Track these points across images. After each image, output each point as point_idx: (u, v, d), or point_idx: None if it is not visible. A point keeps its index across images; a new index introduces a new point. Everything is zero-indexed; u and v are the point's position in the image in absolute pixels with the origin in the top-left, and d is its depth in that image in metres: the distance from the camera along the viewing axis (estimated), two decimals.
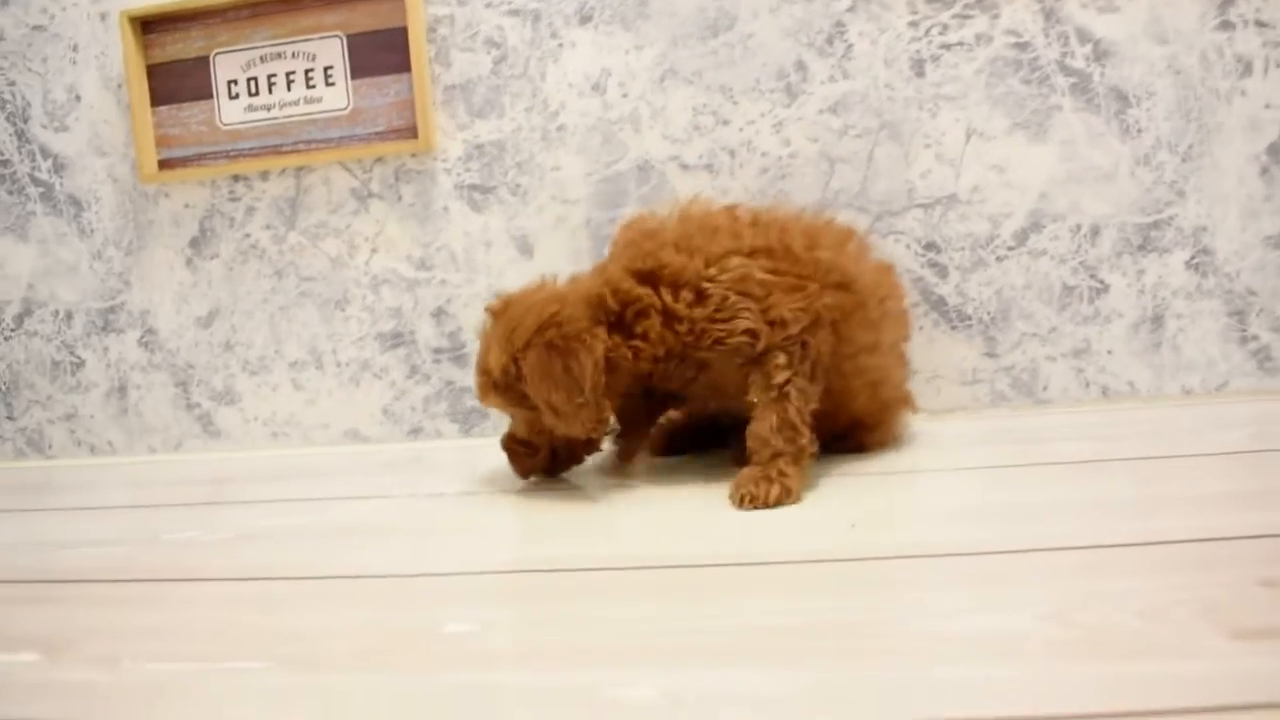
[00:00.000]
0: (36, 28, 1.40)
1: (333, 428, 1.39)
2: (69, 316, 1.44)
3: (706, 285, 0.91)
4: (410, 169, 1.32)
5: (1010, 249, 1.21)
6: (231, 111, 1.35)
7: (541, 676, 0.53)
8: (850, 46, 1.21)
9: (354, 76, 1.31)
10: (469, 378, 1.20)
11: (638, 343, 0.93)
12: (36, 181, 1.42)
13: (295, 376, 1.39)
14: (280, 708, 0.51)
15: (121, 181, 1.40)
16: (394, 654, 0.58)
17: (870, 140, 1.22)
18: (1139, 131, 1.18)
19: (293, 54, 1.33)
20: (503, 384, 0.95)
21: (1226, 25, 1.15)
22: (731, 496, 0.89)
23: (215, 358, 1.41)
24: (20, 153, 1.42)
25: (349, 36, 1.31)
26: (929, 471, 0.96)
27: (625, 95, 1.26)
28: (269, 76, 1.34)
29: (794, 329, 0.91)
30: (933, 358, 1.23)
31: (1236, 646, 0.49)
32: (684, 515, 0.87)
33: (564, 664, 0.54)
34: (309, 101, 1.33)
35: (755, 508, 0.86)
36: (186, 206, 1.39)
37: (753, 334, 0.90)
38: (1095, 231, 1.19)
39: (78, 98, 1.40)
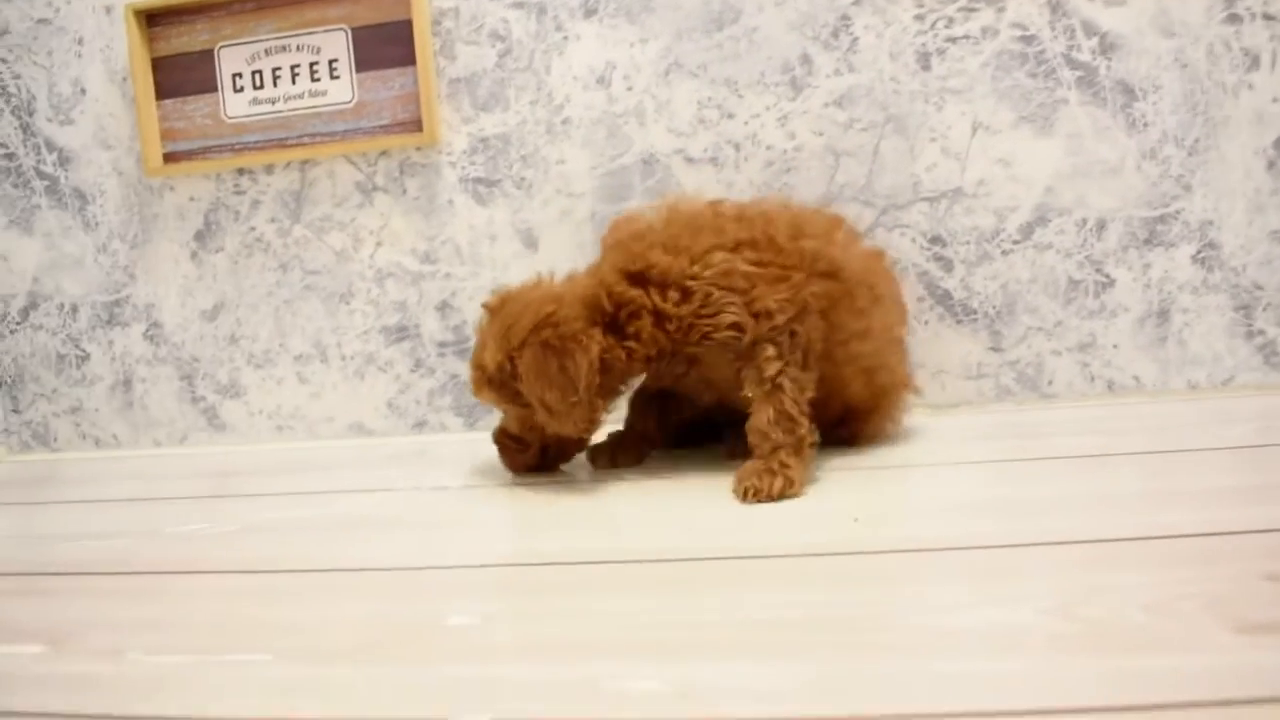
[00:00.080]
0: (42, 21, 1.40)
1: (337, 421, 1.39)
2: (74, 310, 1.44)
3: (691, 283, 0.92)
4: (415, 162, 1.32)
5: (1016, 243, 1.21)
6: (236, 105, 1.35)
7: (544, 669, 0.53)
8: (855, 40, 1.21)
9: (359, 70, 1.31)
10: None
11: (630, 343, 0.94)
12: (42, 175, 1.43)
13: (300, 370, 1.39)
14: (283, 699, 0.51)
15: (126, 175, 1.41)
16: (397, 646, 0.58)
17: (876, 134, 1.22)
18: (1145, 125, 1.17)
19: (297, 47, 1.33)
20: (497, 380, 0.96)
21: (1234, 18, 1.15)
22: (735, 490, 0.89)
23: (220, 351, 1.41)
24: (26, 146, 1.43)
25: (353, 29, 1.31)
26: (933, 465, 0.96)
27: (630, 88, 1.26)
28: (274, 70, 1.34)
29: (780, 319, 0.91)
30: (937, 352, 1.23)
31: (1241, 640, 0.49)
32: (686, 508, 0.87)
33: (566, 656, 0.54)
34: (314, 95, 1.33)
35: (759, 500, 0.87)
36: (191, 200, 1.39)
37: (738, 327, 0.91)
38: (1101, 225, 1.19)
39: (83, 91, 1.40)
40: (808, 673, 0.49)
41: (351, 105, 1.32)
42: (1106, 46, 1.17)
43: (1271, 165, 1.16)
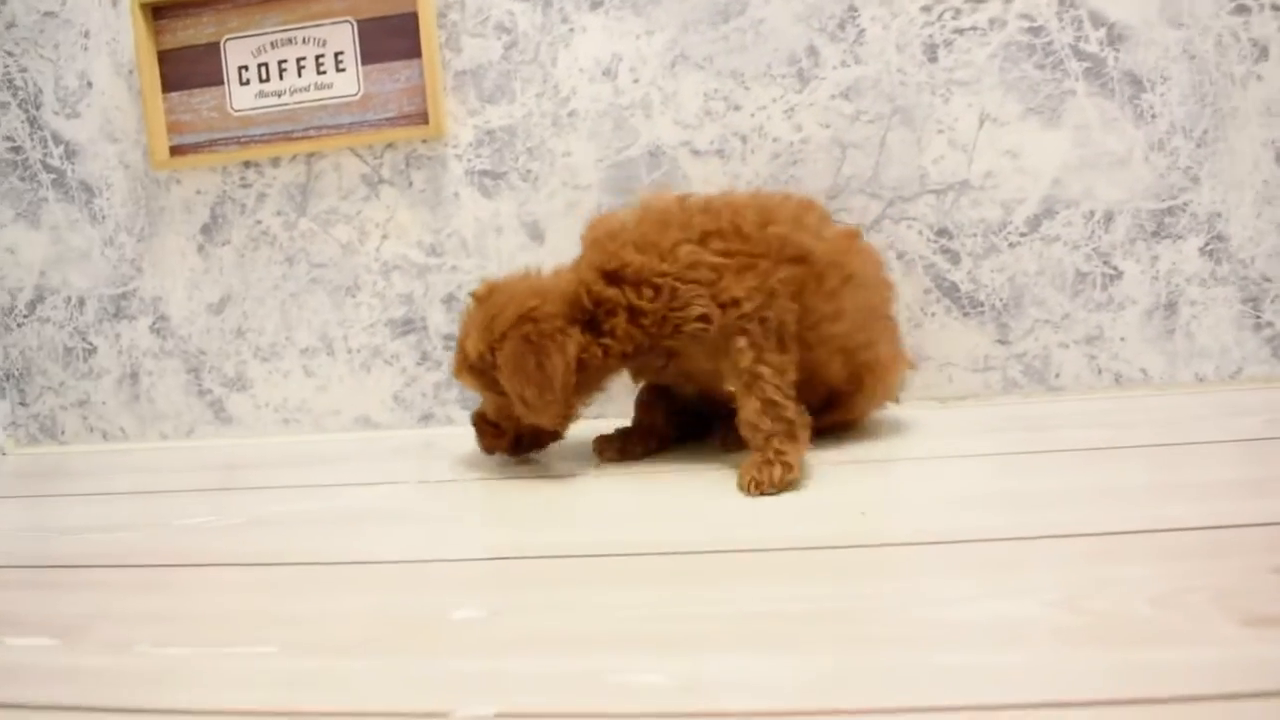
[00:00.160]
0: (48, 14, 1.40)
1: (343, 414, 1.39)
2: (81, 303, 1.45)
3: (660, 279, 0.94)
4: (421, 155, 1.32)
5: (1023, 235, 1.20)
6: (242, 98, 1.35)
7: (548, 662, 0.53)
8: (862, 31, 1.21)
9: (364, 62, 1.31)
10: None
11: (607, 340, 0.96)
12: (48, 168, 1.43)
13: (306, 363, 1.39)
14: (289, 692, 0.51)
15: (133, 168, 1.41)
16: (402, 639, 0.58)
17: (882, 126, 1.22)
18: (1153, 117, 1.17)
19: (303, 40, 1.33)
20: (478, 368, 0.99)
21: (1242, 9, 1.14)
22: (739, 485, 0.90)
23: (227, 344, 1.41)
24: (32, 139, 1.43)
25: (359, 22, 1.31)
26: (939, 458, 0.96)
27: (636, 81, 1.26)
28: (280, 62, 1.34)
29: (748, 307, 0.93)
30: (944, 344, 1.23)
31: (1248, 633, 0.49)
32: (690, 502, 0.87)
33: (570, 649, 0.54)
34: (320, 87, 1.33)
35: (763, 492, 0.87)
36: (198, 193, 1.39)
37: (705, 318, 0.93)
38: (1109, 218, 1.19)
39: (89, 84, 1.40)
40: (812, 666, 0.49)
41: (357, 98, 1.32)
42: (1114, 37, 1.17)
43: None
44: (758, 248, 0.95)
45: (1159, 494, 0.77)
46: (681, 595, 0.62)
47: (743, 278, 0.93)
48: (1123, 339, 1.20)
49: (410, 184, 1.33)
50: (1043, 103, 1.19)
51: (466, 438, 1.22)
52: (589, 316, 0.97)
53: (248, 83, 1.35)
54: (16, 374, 1.48)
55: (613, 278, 0.96)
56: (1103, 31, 1.17)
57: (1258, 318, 1.17)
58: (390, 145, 1.33)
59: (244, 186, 1.38)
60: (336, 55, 1.32)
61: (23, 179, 1.44)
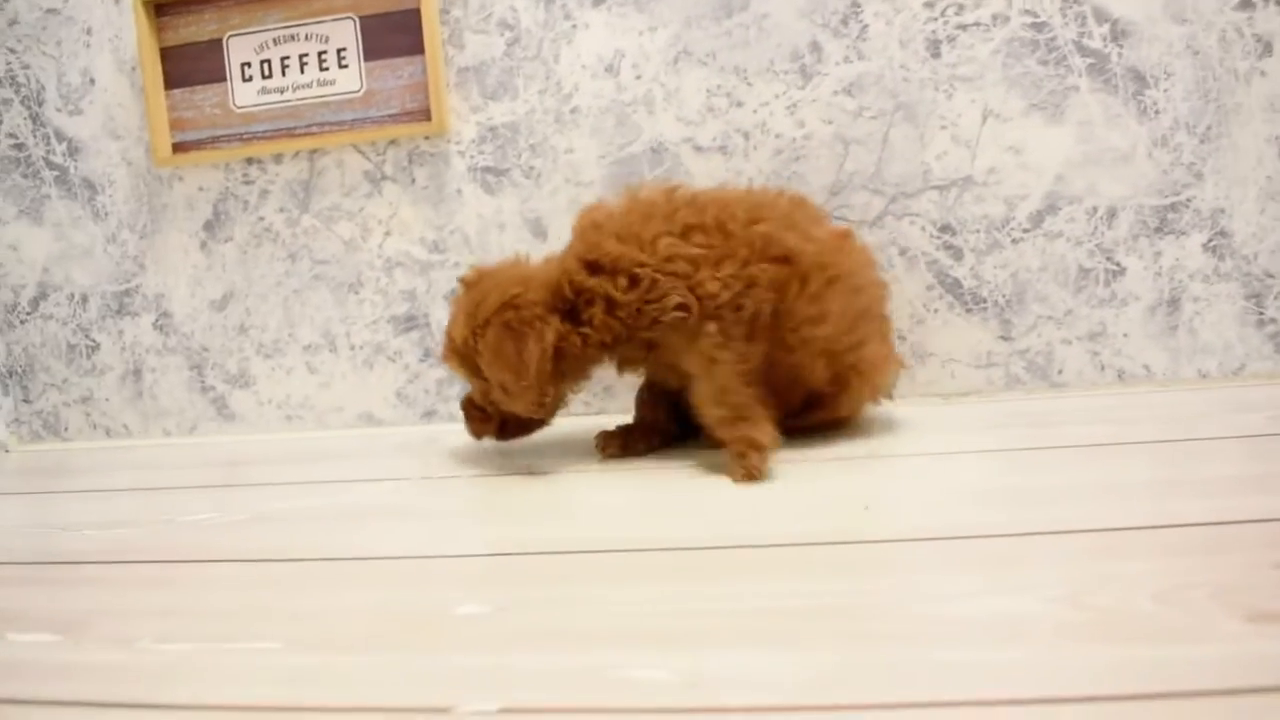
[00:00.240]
0: (50, 11, 1.40)
1: (346, 411, 1.39)
2: (84, 300, 1.45)
3: (639, 270, 0.95)
4: (424, 151, 1.32)
5: (1026, 231, 1.20)
6: (245, 94, 1.35)
7: (552, 658, 0.53)
8: (865, 27, 1.21)
9: (367, 59, 1.31)
10: None
11: (586, 330, 0.97)
12: (51, 165, 1.43)
13: (309, 359, 1.39)
14: (292, 687, 0.51)
15: (135, 165, 1.41)
16: (406, 635, 0.58)
17: (885, 122, 1.22)
18: (1157, 113, 1.17)
19: (305, 36, 1.33)
20: (462, 353, 1.01)
21: (1246, 4, 1.14)
22: (736, 482, 0.91)
23: (229, 341, 1.41)
24: (35, 136, 1.43)
25: (362, 18, 1.31)
26: (942, 454, 0.96)
27: (639, 77, 1.26)
28: (282, 59, 1.34)
29: (725, 296, 0.93)
30: (947, 340, 1.23)
31: (1251, 629, 0.49)
32: (693, 497, 0.87)
33: (574, 645, 0.54)
34: (322, 84, 1.33)
35: (752, 479, 0.90)
36: (200, 190, 1.39)
37: (684, 307, 0.94)
38: (1112, 214, 1.19)
39: (92, 81, 1.40)
40: (814, 662, 0.49)
41: (360, 94, 1.32)
42: (1118, 33, 1.16)
43: None
44: (740, 245, 0.95)
45: (1162, 490, 0.77)
46: (684, 591, 0.62)
47: (720, 268, 0.94)
48: (1126, 335, 1.20)
49: (413, 181, 1.33)
50: (1046, 99, 1.18)
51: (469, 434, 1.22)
52: (570, 305, 0.98)
53: (250, 79, 1.35)
54: (20, 370, 1.48)
55: (594, 267, 0.97)
56: (1106, 27, 1.16)
57: (1261, 314, 1.17)
58: (393, 142, 1.33)
59: (246, 183, 1.38)
60: (339, 52, 1.32)
61: (25, 176, 1.44)
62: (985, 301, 1.22)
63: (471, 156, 1.31)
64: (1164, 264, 1.18)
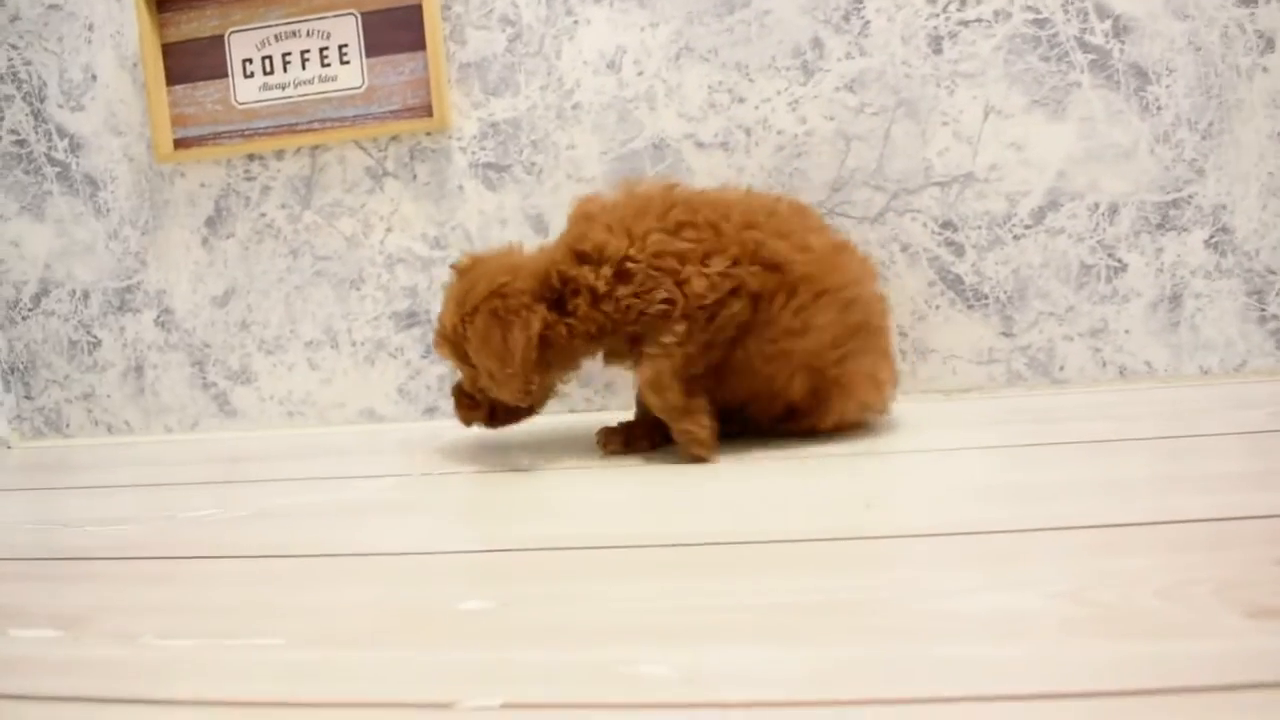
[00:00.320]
0: (52, 6, 1.40)
1: (348, 407, 1.39)
2: (86, 296, 1.45)
3: (629, 265, 0.95)
4: (425, 147, 1.32)
5: (1028, 227, 1.20)
6: (246, 90, 1.35)
7: (554, 653, 0.53)
8: (867, 23, 1.20)
9: (369, 55, 1.31)
10: None
11: (571, 320, 0.97)
12: (53, 161, 1.43)
13: (311, 356, 1.39)
14: (295, 683, 0.51)
15: (137, 161, 1.41)
16: (408, 631, 0.58)
17: (887, 118, 1.21)
18: (1158, 109, 1.17)
19: (307, 32, 1.33)
20: (452, 340, 1.02)
21: (1248, 0, 1.14)
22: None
23: (231, 337, 1.41)
24: (37, 132, 1.43)
25: (363, 14, 1.31)
26: (943, 451, 0.96)
27: (640, 73, 1.26)
28: (284, 55, 1.34)
29: (710, 297, 0.94)
30: (949, 337, 1.23)
31: (1253, 625, 0.49)
32: (695, 494, 0.87)
33: (576, 641, 0.54)
34: (324, 80, 1.33)
35: (699, 458, 0.98)
36: (202, 186, 1.39)
37: (669, 302, 0.94)
38: (1113, 210, 1.19)
39: (93, 77, 1.40)
40: (815, 657, 0.49)
41: (362, 90, 1.32)
42: (1120, 29, 1.16)
43: None
44: (731, 244, 0.95)
45: (1163, 486, 0.77)
46: (685, 587, 0.62)
47: (709, 263, 0.94)
48: (1127, 331, 1.20)
49: (414, 177, 1.33)
50: (1048, 95, 1.18)
51: (471, 431, 1.22)
52: (557, 295, 0.98)
53: (252, 75, 1.35)
54: (21, 367, 1.48)
55: (583, 257, 0.98)
56: (1108, 23, 1.16)
57: (1263, 310, 1.17)
58: (394, 138, 1.33)
59: (248, 179, 1.38)
60: (340, 48, 1.32)
61: (27, 172, 1.44)
62: (987, 298, 1.22)
63: (473, 152, 1.31)
64: (1166, 260, 1.18)
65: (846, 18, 1.21)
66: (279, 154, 1.37)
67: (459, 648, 0.55)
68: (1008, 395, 1.21)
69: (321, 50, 1.33)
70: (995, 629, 0.51)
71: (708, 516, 0.79)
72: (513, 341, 0.95)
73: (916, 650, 0.50)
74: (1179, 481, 0.78)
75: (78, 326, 1.46)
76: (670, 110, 1.26)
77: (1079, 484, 0.79)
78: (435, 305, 1.34)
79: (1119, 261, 1.19)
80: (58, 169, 1.43)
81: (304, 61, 1.33)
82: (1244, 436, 0.92)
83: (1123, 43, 1.17)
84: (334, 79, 1.33)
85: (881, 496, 0.81)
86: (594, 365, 1.07)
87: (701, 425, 0.97)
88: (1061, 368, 1.22)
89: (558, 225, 1.28)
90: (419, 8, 1.28)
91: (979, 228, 1.21)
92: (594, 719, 0.45)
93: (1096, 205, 1.19)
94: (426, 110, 1.30)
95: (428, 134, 1.32)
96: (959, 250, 1.21)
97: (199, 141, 1.37)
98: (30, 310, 1.47)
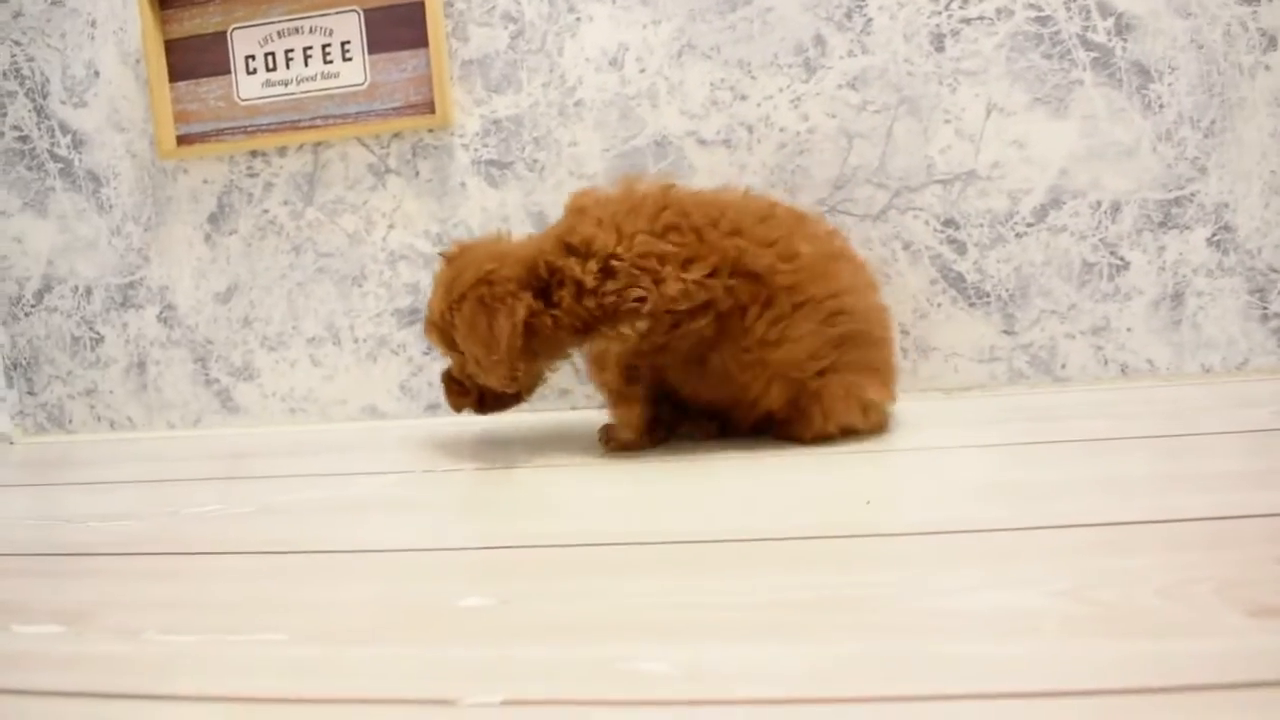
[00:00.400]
0: (55, 3, 1.40)
1: (350, 403, 1.39)
2: (88, 292, 1.45)
3: (615, 264, 0.96)
4: (427, 144, 1.32)
5: (1030, 225, 1.20)
6: (249, 87, 1.36)
7: (555, 650, 0.53)
8: (870, 21, 1.20)
9: (371, 51, 1.31)
10: None
11: (556, 312, 0.98)
12: (56, 157, 1.43)
13: (313, 352, 1.39)
14: (297, 679, 0.52)
15: (140, 157, 1.41)
16: (410, 627, 0.58)
17: (889, 116, 1.21)
18: (1161, 107, 1.17)
19: (310, 29, 1.33)
20: (440, 327, 1.04)
21: None
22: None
23: (234, 334, 1.41)
24: (39, 128, 1.43)
25: (366, 11, 1.31)
26: (945, 448, 0.96)
27: (643, 70, 1.26)
28: (286, 52, 1.34)
29: (682, 304, 0.95)
30: (950, 335, 1.23)
31: (1253, 624, 0.49)
32: (696, 491, 0.87)
33: (577, 638, 0.54)
34: (326, 77, 1.33)
35: (623, 445, 1.03)
36: (205, 182, 1.39)
37: (642, 299, 0.95)
38: (1116, 208, 1.19)
39: (96, 73, 1.40)
40: (816, 655, 0.49)
41: (364, 87, 1.32)
42: (1122, 27, 1.16)
43: None
44: (712, 252, 0.96)
45: (1164, 485, 0.77)
46: (686, 585, 0.62)
47: (688, 269, 0.95)
48: (1129, 330, 1.20)
49: (417, 174, 1.33)
50: (1050, 93, 1.18)
51: (473, 427, 1.22)
52: (544, 284, 0.99)
53: (254, 72, 1.35)
54: (24, 363, 1.48)
55: (571, 250, 0.98)
56: (1110, 21, 1.16)
57: (1264, 309, 1.17)
58: (397, 135, 1.33)
59: (251, 176, 1.38)
60: (343, 45, 1.32)
61: (30, 168, 1.44)
62: (988, 296, 1.22)
63: (475, 149, 1.31)
64: (1168, 258, 1.18)
65: (849, 15, 1.21)
66: (281, 150, 1.37)
67: (460, 644, 0.55)
68: (1009, 393, 1.21)
69: (324, 47, 1.33)
70: (996, 627, 0.51)
71: (709, 514, 0.79)
72: (498, 328, 0.96)
73: (917, 648, 0.50)
74: (1180, 480, 0.78)
75: (80, 322, 1.46)
76: (672, 107, 1.26)
77: (1080, 482, 0.79)
78: None
79: (1121, 259, 1.19)
80: (60, 165, 1.43)
81: (306, 58, 1.33)
82: (1245, 435, 0.92)
83: (1125, 40, 1.16)
84: (336, 76, 1.33)
85: (882, 494, 0.81)
86: None
87: (633, 413, 1.02)
88: (1063, 366, 1.22)
89: None
90: (421, 5, 1.28)
91: (981, 225, 1.21)
92: (594, 716, 0.46)
93: (1098, 203, 1.19)
94: (429, 107, 1.30)
95: (430, 131, 1.32)
96: (961, 248, 1.21)
97: (202, 138, 1.38)
98: (33, 306, 1.47)
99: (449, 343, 1.04)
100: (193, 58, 1.37)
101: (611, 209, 0.99)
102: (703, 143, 1.25)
